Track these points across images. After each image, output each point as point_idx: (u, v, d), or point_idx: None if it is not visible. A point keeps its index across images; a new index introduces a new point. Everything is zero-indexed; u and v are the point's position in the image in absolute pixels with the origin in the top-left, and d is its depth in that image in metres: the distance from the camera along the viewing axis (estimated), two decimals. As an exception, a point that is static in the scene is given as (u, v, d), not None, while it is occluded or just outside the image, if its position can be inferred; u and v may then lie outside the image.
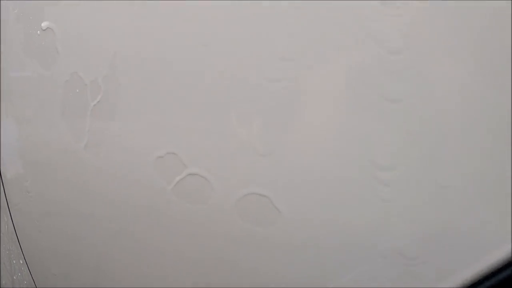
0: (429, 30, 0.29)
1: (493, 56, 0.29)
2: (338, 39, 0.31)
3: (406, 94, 0.30)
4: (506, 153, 0.28)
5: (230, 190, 0.38)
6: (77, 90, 0.53)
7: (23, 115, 0.68)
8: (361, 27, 0.30)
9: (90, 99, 0.52)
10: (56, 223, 0.71)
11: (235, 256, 0.40)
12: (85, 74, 0.52)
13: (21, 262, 0.88)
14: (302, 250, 0.35)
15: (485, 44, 0.29)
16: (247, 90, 0.36)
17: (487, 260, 0.30)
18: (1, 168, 0.80)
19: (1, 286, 1.12)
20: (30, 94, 0.66)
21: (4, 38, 0.69)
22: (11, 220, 0.84)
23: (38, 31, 0.62)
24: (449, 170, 0.29)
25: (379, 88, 0.30)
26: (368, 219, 0.32)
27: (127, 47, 0.46)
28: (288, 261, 0.36)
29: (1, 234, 0.93)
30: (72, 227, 0.65)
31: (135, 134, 0.46)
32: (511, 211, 0.29)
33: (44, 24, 0.61)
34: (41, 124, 0.64)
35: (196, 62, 0.40)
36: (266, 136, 0.36)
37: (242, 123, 0.36)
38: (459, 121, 0.29)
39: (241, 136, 0.36)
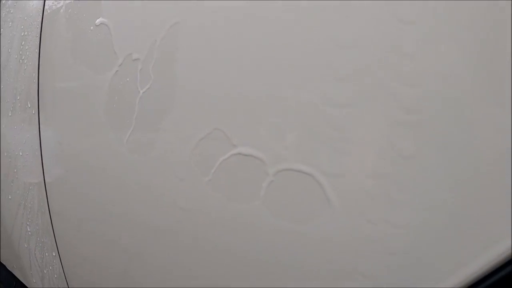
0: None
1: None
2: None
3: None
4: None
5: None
6: (127, 79, 0.55)
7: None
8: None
9: (139, 88, 0.54)
10: (94, 225, 0.72)
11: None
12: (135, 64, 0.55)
13: (54, 254, 0.90)
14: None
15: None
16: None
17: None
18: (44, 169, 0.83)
19: (31, 280, 1.15)
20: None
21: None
22: (48, 212, 0.86)
23: (92, 27, 0.66)
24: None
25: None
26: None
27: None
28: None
29: (36, 226, 0.95)
30: (109, 228, 0.67)
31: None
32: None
33: (98, 20, 0.64)
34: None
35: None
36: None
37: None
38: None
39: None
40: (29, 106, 0.81)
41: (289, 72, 0.38)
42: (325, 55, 0.36)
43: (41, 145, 0.80)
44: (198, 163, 0.46)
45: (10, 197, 1.04)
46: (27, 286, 1.24)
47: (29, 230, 1.00)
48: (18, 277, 1.30)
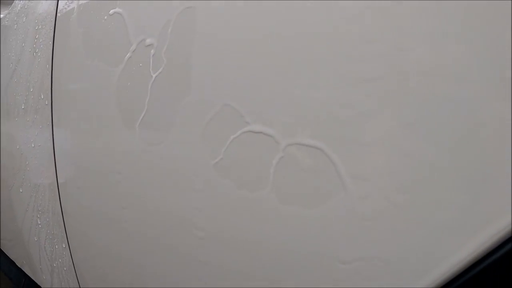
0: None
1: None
2: None
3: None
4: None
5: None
6: (141, 64, 0.56)
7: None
8: None
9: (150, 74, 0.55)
10: (106, 215, 0.73)
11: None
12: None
13: (64, 246, 0.91)
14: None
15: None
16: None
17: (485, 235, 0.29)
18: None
19: (41, 275, 1.15)
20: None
21: (65, 40, 0.75)
22: (59, 203, 0.87)
23: (105, 16, 0.67)
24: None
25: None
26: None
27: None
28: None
29: (46, 218, 0.96)
30: (121, 217, 0.67)
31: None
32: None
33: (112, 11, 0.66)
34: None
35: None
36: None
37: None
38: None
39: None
40: (42, 97, 0.82)
41: (303, 51, 0.39)
42: (341, 30, 0.36)
43: (54, 137, 0.81)
44: (209, 142, 0.47)
45: (21, 190, 1.05)
46: (36, 282, 1.24)
47: (39, 223, 1.01)
48: (27, 273, 1.31)
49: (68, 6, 0.78)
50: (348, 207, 0.36)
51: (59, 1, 0.81)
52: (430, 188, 0.31)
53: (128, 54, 0.59)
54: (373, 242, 0.35)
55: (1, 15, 1.15)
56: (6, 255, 1.49)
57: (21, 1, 1.02)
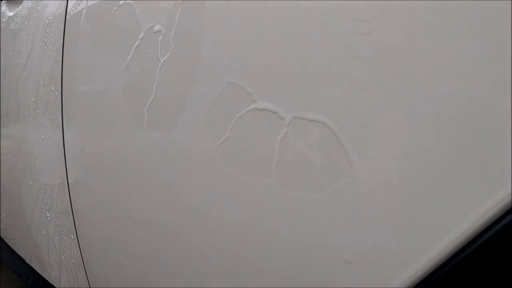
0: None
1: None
2: None
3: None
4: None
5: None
6: (149, 50, 0.58)
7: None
8: None
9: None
10: (114, 205, 0.74)
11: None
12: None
13: (72, 237, 0.92)
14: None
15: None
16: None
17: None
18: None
19: (49, 270, 1.16)
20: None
21: (75, 33, 0.76)
22: (68, 194, 0.88)
23: (115, 7, 0.68)
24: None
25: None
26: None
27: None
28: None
29: (55, 210, 0.97)
30: (130, 207, 0.68)
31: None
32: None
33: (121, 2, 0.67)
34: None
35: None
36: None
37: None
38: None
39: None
40: (53, 89, 0.84)
41: (308, 29, 0.40)
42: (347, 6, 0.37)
43: (63, 127, 0.82)
44: (215, 122, 0.48)
45: (30, 184, 1.07)
46: (44, 277, 1.26)
47: (48, 215, 1.02)
48: (35, 268, 1.32)
49: (78, 4, 0.80)
50: (355, 187, 0.37)
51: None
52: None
53: (137, 41, 0.61)
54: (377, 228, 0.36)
55: (11, 14, 1.18)
56: (15, 252, 1.51)
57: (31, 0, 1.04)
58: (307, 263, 0.41)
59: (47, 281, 1.23)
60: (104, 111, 0.70)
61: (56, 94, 0.82)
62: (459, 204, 0.31)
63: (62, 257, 1.04)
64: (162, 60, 0.55)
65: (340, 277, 0.38)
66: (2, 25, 1.22)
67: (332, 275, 0.39)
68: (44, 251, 1.15)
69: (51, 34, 0.87)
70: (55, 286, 1.17)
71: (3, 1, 1.31)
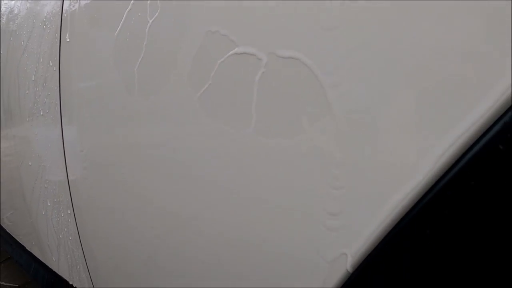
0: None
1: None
2: None
3: None
4: None
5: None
6: (139, 14, 0.60)
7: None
8: None
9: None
10: (112, 173, 0.75)
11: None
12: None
13: (69, 212, 0.94)
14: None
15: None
16: None
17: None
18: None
19: (49, 255, 1.18)
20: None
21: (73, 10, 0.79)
22: (65, 169, 0.90)
23: None
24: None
25: None
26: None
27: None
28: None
29: (54, 186, 0.99)
30: (128, 176, 0.69)
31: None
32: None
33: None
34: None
35: None
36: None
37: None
38: None
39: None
40: (51, 64, 0.87)
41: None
42: None
43: (61, 99, 0.84)
44: (198, 71, 0.50)
45: (30, 164, 1.09)
46: (45, 263, 1.27)
47: (46, 191, 1.04)
48: (36, 255, 1.34)
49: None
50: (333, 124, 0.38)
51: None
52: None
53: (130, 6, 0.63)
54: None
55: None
56: (18, 242, 1.53)
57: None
58: (294, 210, 0.42)
59: (47, 267, 1.25)
60: (104, 84, 0.72)
61: (55, 69, 0.85)
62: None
63: (60, 236, 1.05)
64: (150, 21, 0.57)
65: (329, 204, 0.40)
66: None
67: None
68: (43, 233, 1.17)
69: (50, 13, 0.90)
70: (55, 272, 1.18)
71: (3, 1, 1.35)
